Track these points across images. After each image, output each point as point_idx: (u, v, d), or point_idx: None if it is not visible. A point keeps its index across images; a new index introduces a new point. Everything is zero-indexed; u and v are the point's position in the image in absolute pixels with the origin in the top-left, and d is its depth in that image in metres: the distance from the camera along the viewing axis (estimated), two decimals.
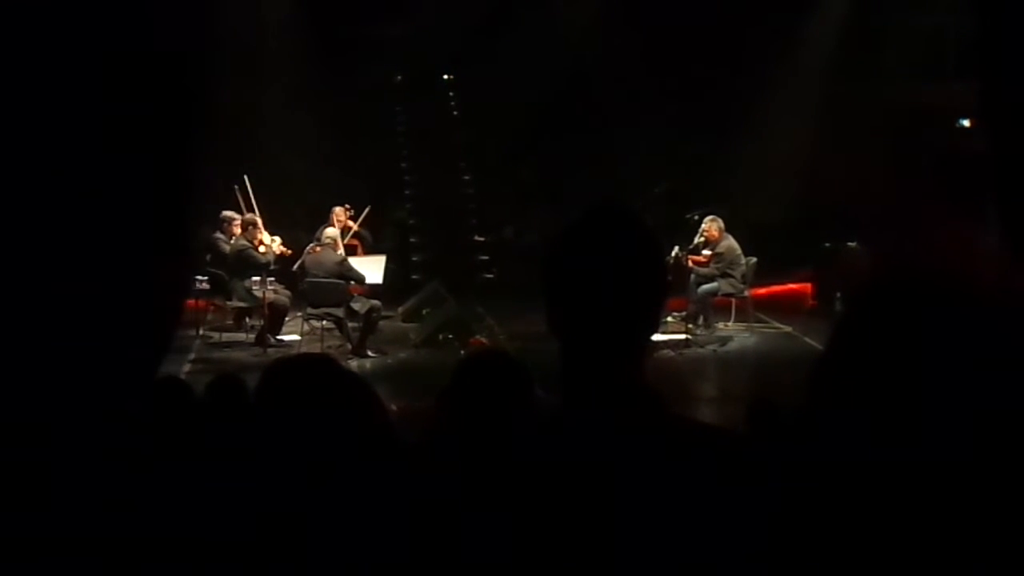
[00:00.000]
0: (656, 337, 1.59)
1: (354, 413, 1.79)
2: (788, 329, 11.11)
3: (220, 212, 10.92)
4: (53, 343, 0.98)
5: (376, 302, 10.40)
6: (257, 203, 11.10)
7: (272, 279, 10.75)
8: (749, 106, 12.90)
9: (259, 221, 10.79)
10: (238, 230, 10.73)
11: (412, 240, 13.85)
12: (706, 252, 10.95)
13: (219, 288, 10.71)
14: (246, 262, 10.48)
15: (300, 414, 1.76)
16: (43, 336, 0.97)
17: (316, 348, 9.64)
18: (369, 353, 10.21)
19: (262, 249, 10.65)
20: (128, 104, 0.97)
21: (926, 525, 1.15)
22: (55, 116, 0.97)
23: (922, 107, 12.54)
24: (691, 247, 11.00)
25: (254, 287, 10.54)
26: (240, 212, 10.92)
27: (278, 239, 10.88)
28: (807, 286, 12.70)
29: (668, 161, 13.31)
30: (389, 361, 10.20)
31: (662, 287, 1.58)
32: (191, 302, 10.44)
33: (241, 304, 10.73)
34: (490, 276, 13.56)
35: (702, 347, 10.44)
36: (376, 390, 1.93)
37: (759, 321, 11.26)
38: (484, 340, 10.38)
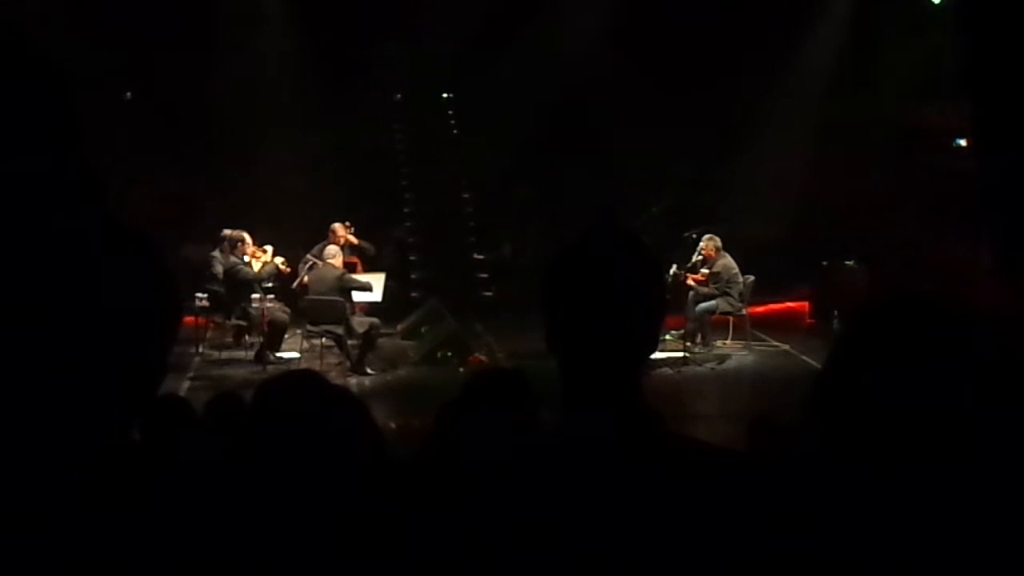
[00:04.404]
0: (654, 355, 1.59)
1: (345, 428, 1.80)
2: (786, 347, 11.11)
3: (221, 231, 10.93)
4: (49, 363, 0.99)
5: (375, 320, 10.40)
6: (257, 221, 11.11)
7: (271, 296, 10.75)
8: (747, 125, 12.93)
9: (247, 237, 10.79)
10: (230, 248, 10.74)
11: (411, 258, 13.85)
12: (704, 271, 10.96)
13: (218, 305, 10.72)
14: (236, 278, 10.49)
15: (291, 430, 1.76)
16: (41, 354, 0.99)
17: (315, 365, 9.63)
18: (368, 370, 10.20)
19: (257, 265, 10.66)
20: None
21: (927, 540, 1.16)
22: None
23: (919, 127, 12.58)
24: (689, 265, 11.01)
25: (252, 305, 10.54)
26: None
27: (270, 248, 10.91)
28: (804, 304, 12.70)
29: (666, 180, 13.34)
30: (388, 378, 10.19)
31: (661, 306, 1.59)
32: (191, 319, 10.43)
33: (240, 322, 10.73)
34: (489, 294, 13.55)
35: (700, 365, 10.43)
36: (369, 406, 1.94)
37: (757, 339, 11.25)
38: (483, 358, 10.38)
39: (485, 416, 2.61)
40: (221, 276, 10.59)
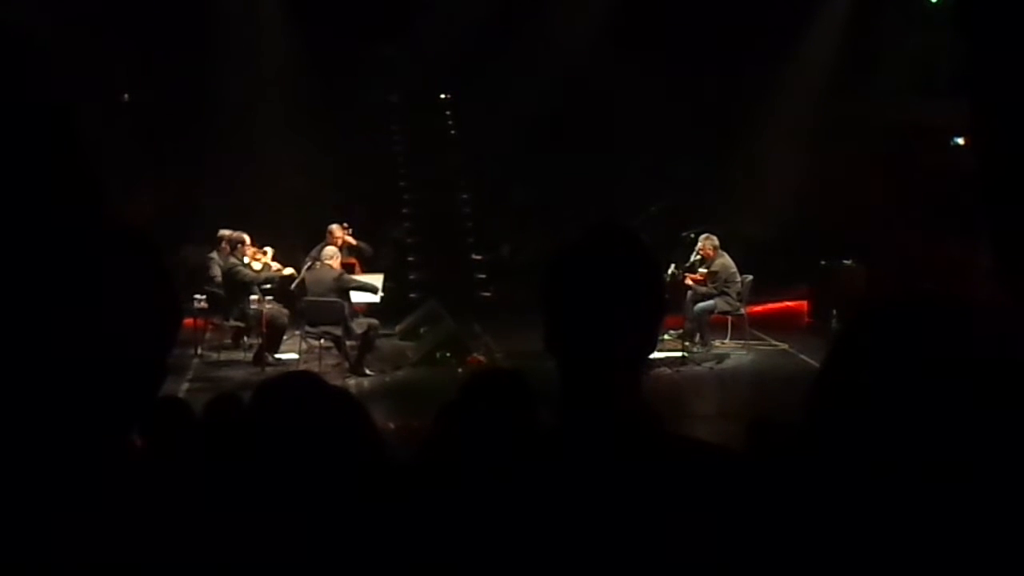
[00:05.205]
0: (653, 355, 1.59)
1: (344, 429, 1.80)
2: (784, 346, 11.12)
3: (218, 232, 10.93)
4: (54, 363, 0.99)
5: (374, 320, 10.40)
6: (256, 222, 11.12)
7: (270, 297, 10.75)
8: (746, 125, 12.94)
9: (247, 239, 10.80)
10: (228, 248, 10.75)
11: (410, 258, 13.86)
12: (702, 270, 10.97)
13: (217, 307, 10.71)
14: (235, 279, 10.49)
15: (290, 431, 1.76)
16: (45, 356, 0.99)
17: (314, 367, 9.63)
18: (367, 371, 10.20)
19: (256, 266, 10.66)
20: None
21: (926, 540, 1.16)
22: None
23: (917, 126, 12.59)
24: (687, 265, 11.01)
25: (251, 306, 10.54)
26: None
27: (270, 250, 10.92)
28: (803, 303, 12.71)
29: (664, 180, 13.34)
30: (387, 379, 10.20)
31: (659, 305, 1.59)
32: (189, 321, 10.43)
33: (239, 324, 10.73)
34: (487, 294, 13.56)
35: (699, 365, 10.44)
36: (368, 407, 1.94)
37: (755, 338, 11.26)
38: (481, 358, 10.38)
39: (484, 416, 2.62)
40: (219, 279, 10.59)
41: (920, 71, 12.67)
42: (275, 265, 10.89)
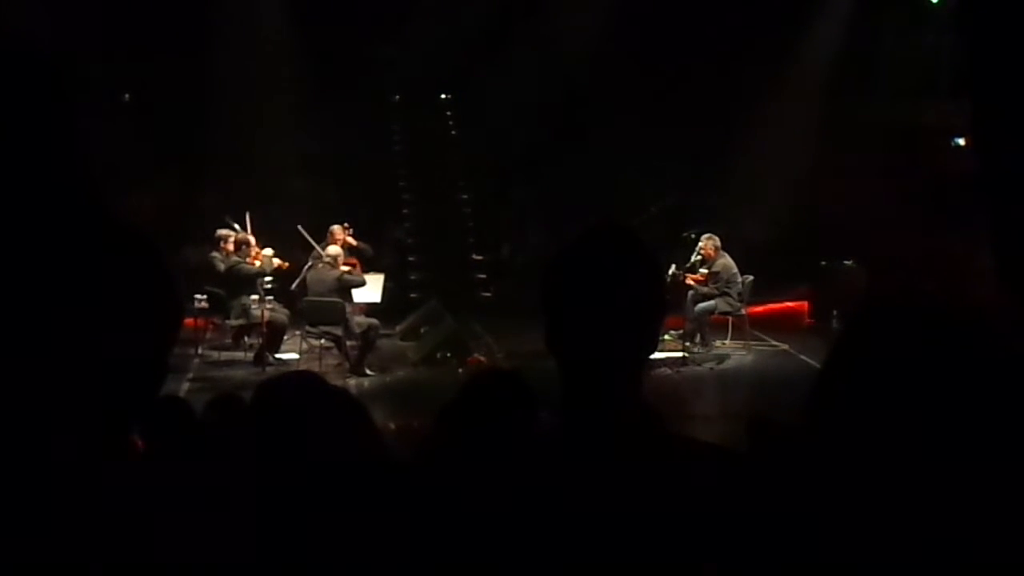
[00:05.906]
0: (653, 355, 1.59)
1: (344, 429, 1.79)
2: (785, 347, 11.12)
3: (216, 231, 10.94)
4: (54, 363, 0.99)
5: (374, 321, 10.40)
6: (255, 222, 11.13)
7: (271, 297, 10.75)
8: (745, 125, 12.93)
9: (252, 240, 10.83)
10: (232, 247, 10.77)
11: (410, 259, 13.86)
12: (703, 271, 10.97)
13: (218, 307, 10.72)
14: (239, 276, 10.50)
15: (291, 431, 1.76)
16: (45, 355, 0.99)
17: (315, 366, 9.63)
18: (367, 371, 10.20)
19: (258, 263, 10.68)
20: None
21: (926, 540, 1.16)
22: None
23: (917, 126, 12.59)
24: (688, 265, 11.01)
25: (252, 305, 10.55)
26: (233, 231, 10.96)
27: (270, 250, 10.93)
28: (803, 304, 12.72)
29: (665, 180, 13.34)
30: (387, 379, 10.19)
31: (660, 306, 1.59)
32: (190, 321, 10.43)
33: (240, 322, 10.73)
34: (488, 294, 13.57)
35: (699, 365, 10.44)
36: (368, 407, 1.93)
37: (756, 339, 11.26)
38: (482, 358, 10.38)
39: (484, 417, 2.61)
40: (223, 271, 10.58)
41: (920, 72, 12.67)
42: (276, 260, 10.90)
